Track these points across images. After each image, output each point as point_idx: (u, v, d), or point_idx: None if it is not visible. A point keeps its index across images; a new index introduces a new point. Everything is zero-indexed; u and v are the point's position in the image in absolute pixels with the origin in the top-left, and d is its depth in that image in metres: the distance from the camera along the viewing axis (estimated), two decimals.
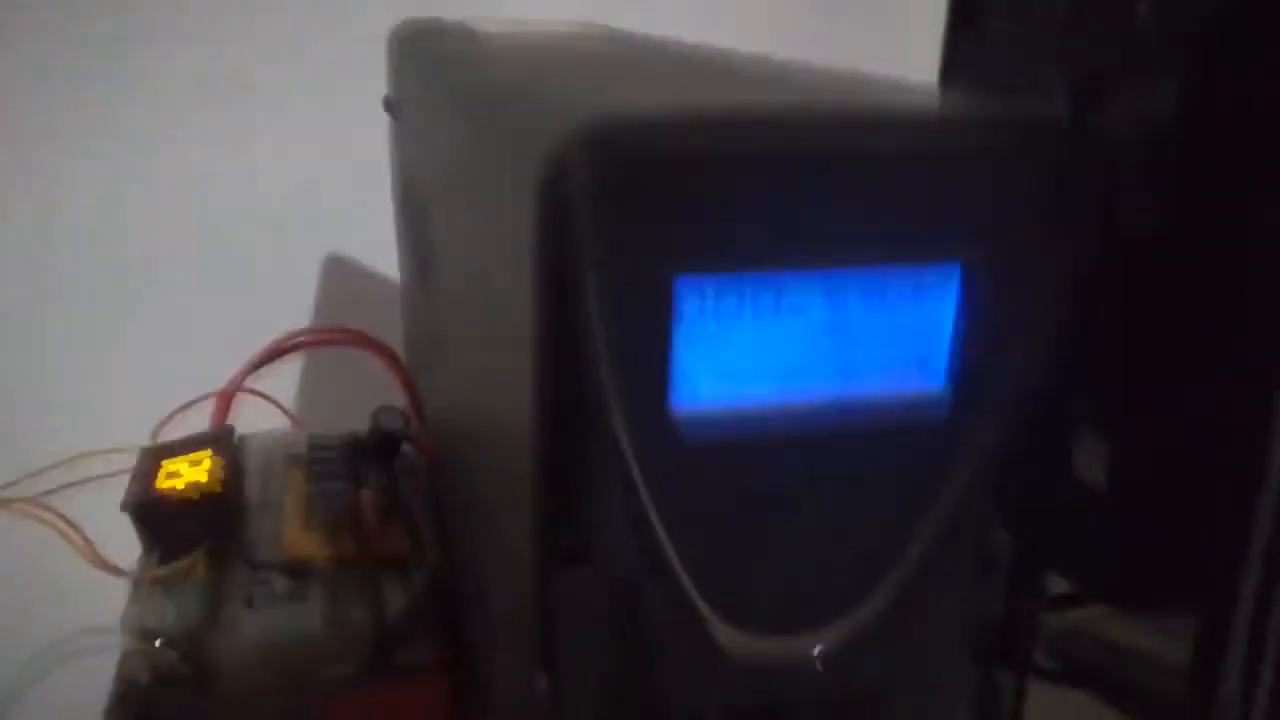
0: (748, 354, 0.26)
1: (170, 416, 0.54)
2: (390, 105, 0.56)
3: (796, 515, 0.28)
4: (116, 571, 0.43)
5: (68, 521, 0.46)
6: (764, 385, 0.27)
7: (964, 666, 0.31)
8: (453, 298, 0.39)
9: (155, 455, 0.45)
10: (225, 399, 0.55)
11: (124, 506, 0.42)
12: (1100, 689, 0.47)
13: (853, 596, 0.29)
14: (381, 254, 0.65)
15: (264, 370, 0.59)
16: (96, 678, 0.38)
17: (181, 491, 0.41)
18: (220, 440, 0.46)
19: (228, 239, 0.67)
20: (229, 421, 0.54)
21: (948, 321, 0.27)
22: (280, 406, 0.58)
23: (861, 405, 0.27)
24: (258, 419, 0.57)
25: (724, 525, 0.27)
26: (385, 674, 0.38)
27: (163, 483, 0.43)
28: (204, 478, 0.42)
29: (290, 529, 0.43)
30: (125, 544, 0.44)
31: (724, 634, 0.28)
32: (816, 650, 0.29)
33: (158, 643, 0.37)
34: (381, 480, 0.45)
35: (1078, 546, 0.53)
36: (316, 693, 0.36)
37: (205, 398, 0.55)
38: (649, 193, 0.23)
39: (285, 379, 0.64)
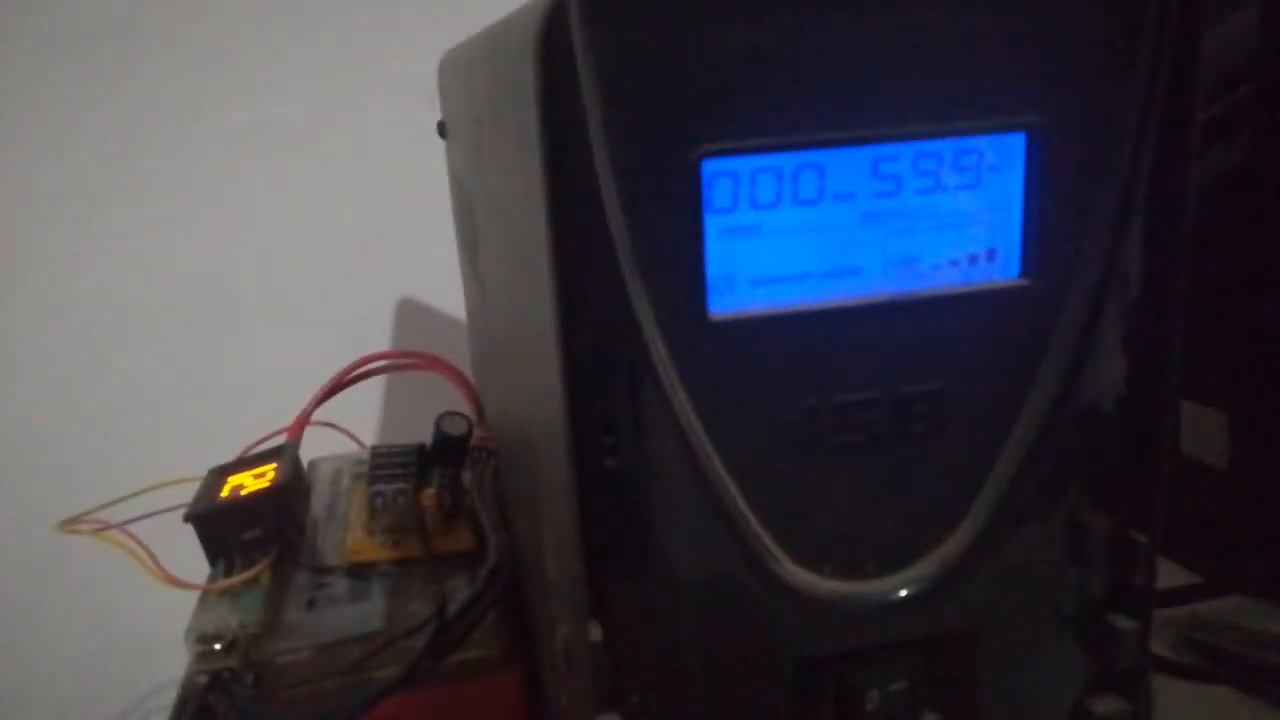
0: (790, 249, 0.24)
1: (248, 450, 0.54)
2: (442, 128, 0.56)
3: (862, 435, 0.25)
4: (186, 587, 0.42)
5: (141, 545, 0.45)
6: (811, 285, 0.24)
7: (1070, 611, 0.27)
8: (492, 280, 0.38)
9: (221, 473, 0.45)
10: (296, 430, 0.55)
11: (186, 517, 0.41)
12: (1246, 681, 0.42)
13: (934, 530, 0.26)
14: (445, 285, 0.65)
15: (340, 399, 0.59)
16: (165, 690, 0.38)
17: (237, 496, 0.40)
18: (282, 453, 0.45)
19: (298, 275, 0.67)
20: (303, 452, 0.54)
21: (1017, 201, 0.24)
22: (349, 433, 0.58)
23: (925, 304, 0.24)
24: (333, 447, 0.57)
25: (781, 448, 0.25)
26: (447, 671, 0.35)
27: (225, 494, 0.42)
28: (263, 484, 0.41)
29: (352, 534, 0.42)
30: (199, 567, 0.44)
31: (791, 573, 0.25)
32: (900, 592, 0.25)
33: (217, 646, 0.36)
34: (445, 481, 0.43)
35: (1202, 531, 0.48)
36: (377, 689, 0.34)
37: (278, 432, 0.55)
38: (661, 52, 0.21)
39: (360, 406, 0.63)
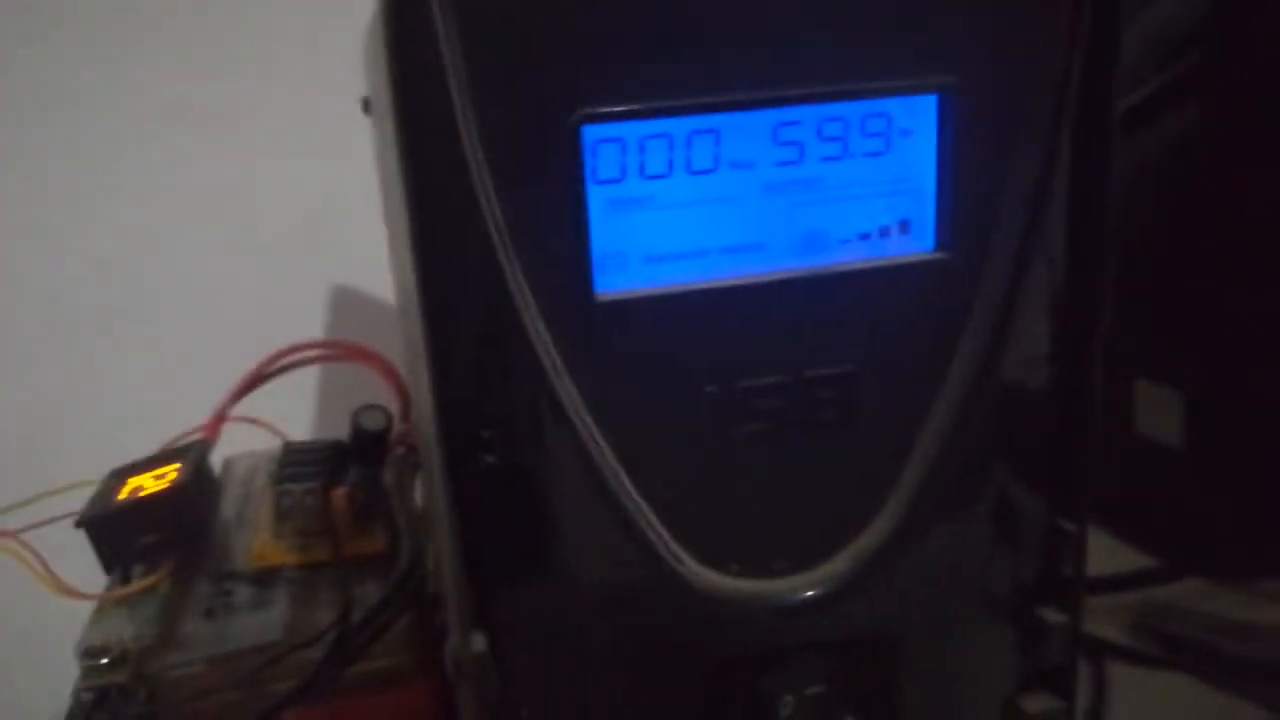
0: (685, 222, 0.22)
1: (165, 449, 0.51)
2: (367, 105, 0.54)
3: (768, 423, 0.23)
4: (82, 597, 0.40)
5: (35, 554, 0.42)
6: (709, 263, 0.22)
7: (997, 605, 0.26)
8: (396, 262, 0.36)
9: (121, 475, 0.42)
10: (212, 427, 0.52)
11: (77, 522, 0.38)
12: (1202, 668, 0.41)
13: (849, 523, 0.24)
14: (381, 271, 0.62)
15: (268, 393, 0.56)
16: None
17: (133, 499, 0.38)
18: (187, 452, 0.43)
19: (216, 267, 0.64)
20: (224, 448, 0.51)
21: (930, 169, 0.23)
22: (274, 429, 0.55)
23: (834, 281, 0.23)
24: (257, 443, 0.55)
25: (680, 439, 0.23)
26: (352, 681, 0.33)
27: (122, 496, 0.39)
28: (162, 485, 0.39)
29: (259, 537, 0.40)
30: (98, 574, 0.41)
31: (695, 573, 0.23)
32: (803, 593, 0.24)
33: (104, 660, 0.34)
34: (360, 480, 0.41)
35: (1156, 513, 0.47)
36: (273, 703, 0.32)
37: (197, 429, 0.53)
38: (532, 5, 0.19)
39: (291, 400, 0.60)
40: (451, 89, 0.19)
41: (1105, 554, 0.47)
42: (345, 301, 0.70)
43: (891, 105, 0.22)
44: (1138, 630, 0.43)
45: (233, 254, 0.65)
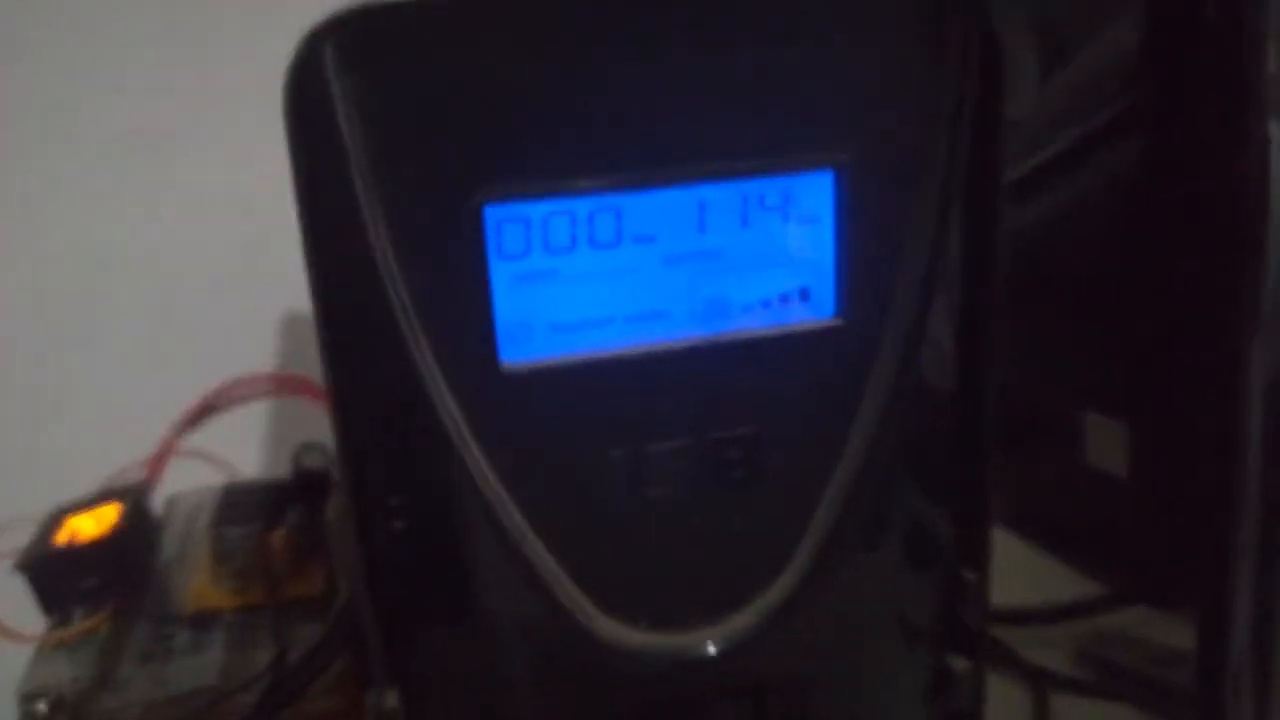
0: (589, 294, 0.23)
1: (111, 482, 0.51)
2: None
3: (676, 485, 0.24)
4: (18, 639, 0.40)
5: None
6: (613, 331, 0.23)
7: (904, 653, 0.27)
8: None
9: (61, 515, 0.42)
10: (155, 462, 0.52)
11: (16, 565, 0.38)
12: (1142, 698, 0.42)
13: (757, 578, 0.25)
14: None
15: (219, 426, 0.57)
16: None
17: (73, 543, 0.38)
18: (128, 493, 0.43)
19: (165, 297, 0.64)
20: (170, 483, 0.51)
21: (828, 240, 0.24)
22: (224, 464, 0.55)
23: (736, 348, 0.23)
24: (209, 478, 0.55)
25: (590, 501, 0.23)
26: None
27: (60, 539, 0.39)
28: (102, 529, 0.39)
29: (197, 580, 0.40)
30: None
31: (606, 628, 0.24)
32: (712, 645, 0.24)
33: (41, 706, 0.34)
34: (299, 521, 0.41)
35: (1102, 540, 0.48)
36: None
37: (137, 464, 0.53)
38: (432, 97, 0.20)
39: (245, 433, 0.61)
40: (351, 168, 0.20)
41: (1057, 582, 0.48)
42: (299, 333, 0.70)
43: (790, 182, 0.23)
44: (1082, 659, 0.44)
45: (183, 284, 0.65)
